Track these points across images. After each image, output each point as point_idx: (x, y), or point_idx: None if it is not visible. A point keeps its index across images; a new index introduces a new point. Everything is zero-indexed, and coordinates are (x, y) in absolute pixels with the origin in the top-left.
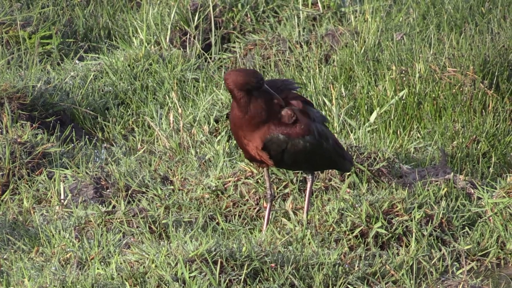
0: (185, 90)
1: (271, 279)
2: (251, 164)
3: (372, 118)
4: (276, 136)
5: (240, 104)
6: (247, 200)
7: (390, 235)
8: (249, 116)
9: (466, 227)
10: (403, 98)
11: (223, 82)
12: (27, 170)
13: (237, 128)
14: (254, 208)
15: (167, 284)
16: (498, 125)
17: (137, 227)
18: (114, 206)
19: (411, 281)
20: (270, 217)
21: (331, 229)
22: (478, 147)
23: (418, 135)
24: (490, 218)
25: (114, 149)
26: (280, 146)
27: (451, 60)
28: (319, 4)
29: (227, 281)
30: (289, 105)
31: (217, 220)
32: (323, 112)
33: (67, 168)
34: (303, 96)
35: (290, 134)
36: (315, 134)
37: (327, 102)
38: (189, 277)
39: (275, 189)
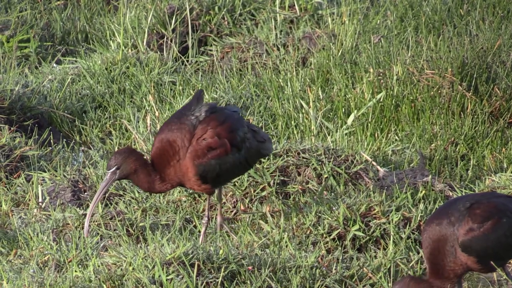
0: (162, 93)
1: (248, 282)
2: None
3: (350, 120)
4: (208, 163)
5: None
6: (224, 203)
7: (368, 237)
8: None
9: None
10: (381, 100)
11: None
12: (5, 173)
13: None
14: (231, 211)
15: (145, 287)
16: (477, 128)
17: (114, 230)
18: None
19: (389, 284)
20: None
21: (308, 232)
22: (457, 150)
23: (396, 137)
24: None
25: (92, 152)
26: (214, 170)
27: (429, 62)
28: (296, 7)
29: (204, 283)
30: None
31: (194, 223)
32: (300, 115)
33: (45, 171)
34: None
35: (219, 155)
36: (238, 144)
37: (304, 105)
38: (167, 280)
39: (252, 191)
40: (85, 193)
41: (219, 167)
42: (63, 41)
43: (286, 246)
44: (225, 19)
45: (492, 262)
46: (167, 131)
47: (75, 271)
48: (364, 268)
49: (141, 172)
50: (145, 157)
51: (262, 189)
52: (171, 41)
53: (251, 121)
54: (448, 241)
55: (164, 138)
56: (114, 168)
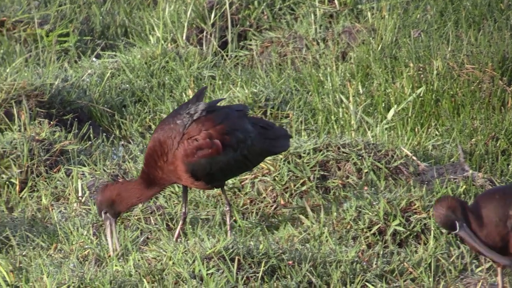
0: None
1: (289, 277)
2: (267, 162)
3: (390, 115)
4: (198, 162)
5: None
6: (264, 197)
7: (408, 232)
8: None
9: None
10: (421, 95)
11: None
12: (45, 168)
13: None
14: (271, 206)
15: (185, 281)
16: None
17: (154, 224)
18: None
19: (430, 279)
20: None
21: (348, 227)
22: (497, 144)
23: (436, 132)
24: None
25: (131, 146)
26: (205, 169)
27: (469, 57)
28: (336, 1)
29: (244, 278)
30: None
31: (234, 218)
32: (340, 110)
33: (84, 166)
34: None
35: (210, 155)
36: (234, 144)
37: (344, 100)
38: (207, 274)
39: (292, 186)
40: None
41: (210, 166)
42: (103, 35)
43: (327, 241)
44: (265, 13)
45: None
46: (160, 130)
47: (115, 266)
48: (405, 263)
49: (123, 196)
50: (119, 181)
51: (302, 184)
52: (210, 35)
53: (290, 115)
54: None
55: (156, 137)
56: (103, 214)
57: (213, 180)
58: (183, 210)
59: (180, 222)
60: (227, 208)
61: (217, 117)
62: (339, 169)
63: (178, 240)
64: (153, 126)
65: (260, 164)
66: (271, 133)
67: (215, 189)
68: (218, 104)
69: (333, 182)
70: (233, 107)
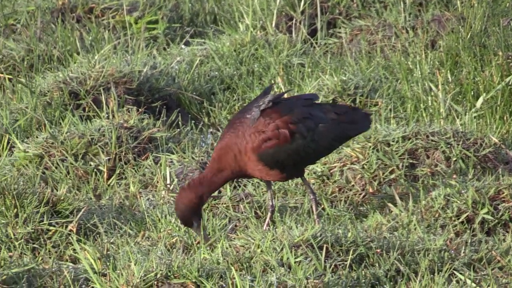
0: (290, 75)
1: (377, 265)
2: (356, 150)
3: (479, 103)
4: (266, 152)
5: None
6: (353, 185)
7: (497, 221)
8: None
9: None
10: (510, 83)
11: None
12: (133, 155)
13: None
14: (360, 194)
15: (273, 269)
16: None
17: (242, 212)
18: (220, 191)
19: None
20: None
21: (437, 215)
22: None
23: None
24: None
25: (220, 134)
26: (273, 158)
27: None
28: None
29: (332, 266)
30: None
31: (322, 206)
32: (429, 98)
33: (173, 153)
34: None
35: (278, 144)
36: (302, 133)
37: (433, 88)
38: (295, 262)
39: (381, 174)
40: None
41: (279, 154)
42: (192, 23)
43: (415, 229)
44: (354, 1)
45: None
46: (230, 128)
47: (203, 253)
48: (493, 252)
49: (195, 193)
50: (186, 184)
51: (391, 172)
52: (299, 23)
53: (379, 103)
54: None
55: (227, 135)
56: (196, 225)
57: (285, 169)
58: (270, 203)
59: (269, 215)
60: (311, 197)
61: (283, 108)
62: (428, 157)
63: (267, 228)
64: None
65: (349, 152)
66: (347, 117)
67: (294, 179)
68: (287, 95)
69: (422, 170)
70: (302, 96)
